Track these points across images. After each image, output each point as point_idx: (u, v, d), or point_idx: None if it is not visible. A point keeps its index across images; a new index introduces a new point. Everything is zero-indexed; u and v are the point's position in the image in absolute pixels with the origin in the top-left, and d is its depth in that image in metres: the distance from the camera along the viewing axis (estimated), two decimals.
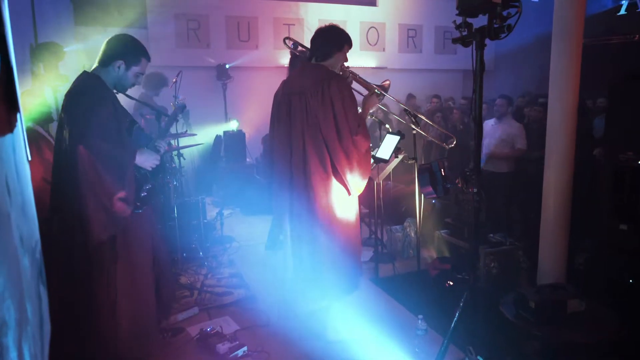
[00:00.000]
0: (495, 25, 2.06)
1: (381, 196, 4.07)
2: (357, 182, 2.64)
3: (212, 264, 4.07)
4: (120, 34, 2.52)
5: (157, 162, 2.54)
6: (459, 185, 2.29)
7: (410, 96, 8.98)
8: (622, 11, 7.37)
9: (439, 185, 2.30)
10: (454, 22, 2.29)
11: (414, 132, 3.22)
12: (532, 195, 4.87)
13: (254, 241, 4.71)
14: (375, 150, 3.29)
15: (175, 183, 3.98)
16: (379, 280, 3.81)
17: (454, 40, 2.34)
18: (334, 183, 2.63)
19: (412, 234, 4.10)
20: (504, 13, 2.06)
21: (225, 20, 8.56)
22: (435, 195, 2.32)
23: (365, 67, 9.48)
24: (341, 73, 2.85)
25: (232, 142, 7.35)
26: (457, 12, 2.25)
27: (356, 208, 2.77)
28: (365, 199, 4.16)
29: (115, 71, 2.45)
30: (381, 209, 4.13)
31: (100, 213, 2.27)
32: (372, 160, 3.16)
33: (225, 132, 7.60)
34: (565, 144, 3.12)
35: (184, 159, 4.70)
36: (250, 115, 8.29)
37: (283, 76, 7.62)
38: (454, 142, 3.21)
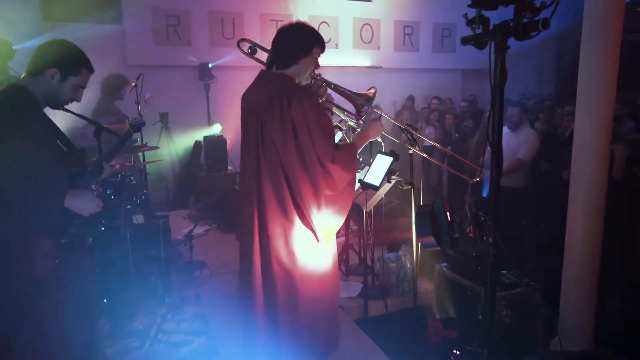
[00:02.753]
0: (525, 20, 1.47)
1: (371, 219, 3.50)
2: (327, 223, 2.06)
3: (174, 301, 3.48)
4: (58, 39, 2.11)
5: (98, 209, 1.99)
6: (470, 235, 1.73)
7: (410, 98, 8.40)
8: None
9: (443, 234, 1.73)
10: (465, 15, 1.70)
11: (411, 152, 2.64)
12: (549, 217, 4.33)
13: (227, 267, 4.12)
14: (362, 173, 2.70)
15: (129, 207, 3.38)
16: (367, 322, 3.24)
17: (465, 40, 1.75)
18: (297, 229, 2.06)
19: (408, 265, 3.52)
20: (537, 3, 1.47)
21: (208, 15, 7.96)
22: (437, 248, 1.74)
23: (359, 67, 8.91)
24: (312, 82, 2.26)
25: (212, 149, 6.76)
26: (468, 3, 1.66)
27: (331, 257, 2.18)
28: (355, 213, 3.60)
29: (47, 82, 2.01)
30: (370, 233, 3.56)
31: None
32: (357, 186, 2.57)
33: (205, 138, 7.00)
34: (597, 167, 2.54)
35: (148, 174, 4.10)
36: (235, 118, 7.60)
37: None
38: (479, 177, 2.63)
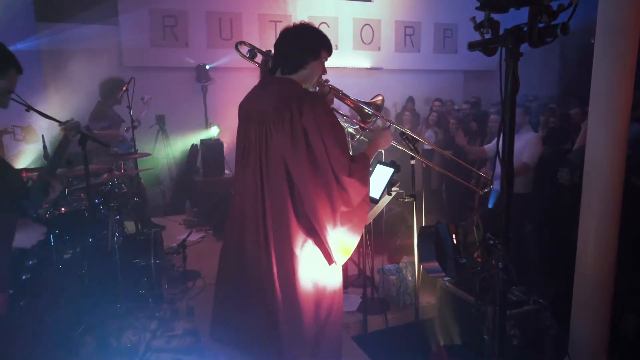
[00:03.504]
0: (541, 25, 1.32)
1: (371, 227, 3.35)
2: (345, 242, 1.89)
3: (165, 315, 3.34)
4: None
5: (42, 237, 1.79)
6: (478, 259, 1.58)
7: (411, 99, 8.24)
8: None
9: (448, 259, 1.58)
10: (473, 19, 1.55)
11: (413, 162, 2.49)
12: (557, 225, 4.16)
13: None
14: None
15: (118, 217, 3.22)
16: (366, 338, 3.09)
17: (472, 46, 1.60)
18: (308, 253, 1.88)
19: (409, 277, 3.37)
20: (553, 5, 1.32)
21: (206, 16, 7.82)
22: (442, 273, 1.59)
23: (359, 68, 8.76)
24: (317, 89, 2.11)
25: (209, 152, 6.60)
26: (477, 5, 1.51)
27: (338, 283, 2.01)
28: None
29: None
30: (370, 242, 3.41)
31: None
32: None
33: (202, 141, 6.85)
34: (612, 182, 2.38)
35: (141, 180, 3.95)
36: (233, 121, 7.46)
37: None
38: (491, 187, 2.48)
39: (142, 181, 5.34)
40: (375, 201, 2.38)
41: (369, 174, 1.95)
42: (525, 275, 4.12)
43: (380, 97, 2.15)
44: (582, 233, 2.54)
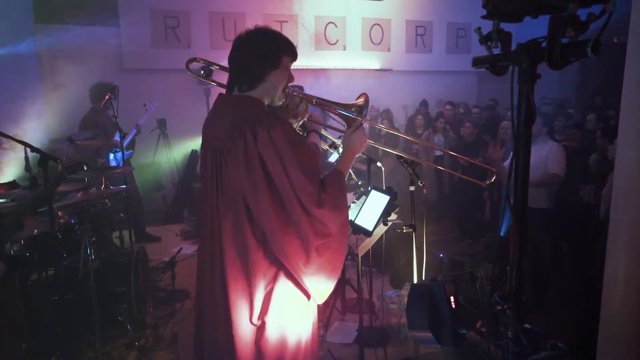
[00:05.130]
0: (565, 40, 1.01)
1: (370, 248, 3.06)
2: (321, 278, 1.61)
3: (146, 343, 3.09)
4: None
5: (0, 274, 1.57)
6: (483, 329, 1.28)
7: (424, 103, 7.90)
8: None
9: (444, 327, 1.28)
10: (478, 30, 1.26)
11: (412, 188, 2.19)
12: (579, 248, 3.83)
13: None
14: (354, 210, 2.25)
15: (93, 238, 2.97)
16: None
17: (477, 62, 1.30)
18: (276, 296, 1.61)
19: None
20: (582, 16, 1.01)
21: (209, 16, 7.60)
22: (437, 345, 1.29)
23: (368, 69, 8.45)
24: (287, 100, 1.81)
25: None
26: (483, 12, 1.22)
27: (308, 333, 1.73)
28: None
29: None
30: (370, 261, 3.13)
31: None
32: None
33: None
34: None
35: (125, 193, 3.71)
36: None
37: None
38: (494, 178, 2.18)
39: (138, 191, 5.12)
40: (368, 233, 2.09)
41: (345, 192, 1.66)
42: (542, 297, 3.80)
43: (362, 98, 1.84)
44: (609, 267, 2.22)
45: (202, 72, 1.84)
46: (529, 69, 1.12)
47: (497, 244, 3.84)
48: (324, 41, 8.18)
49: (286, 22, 7.98)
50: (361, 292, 2.73)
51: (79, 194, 2.84)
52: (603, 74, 6.91)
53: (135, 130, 4.88)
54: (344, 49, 8.33)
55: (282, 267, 1.61)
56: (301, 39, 8.03)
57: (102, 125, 4.37)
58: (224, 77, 1.96)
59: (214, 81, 1.90)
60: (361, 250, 2.35)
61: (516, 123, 1.16)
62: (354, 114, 1.78)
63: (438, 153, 6.94)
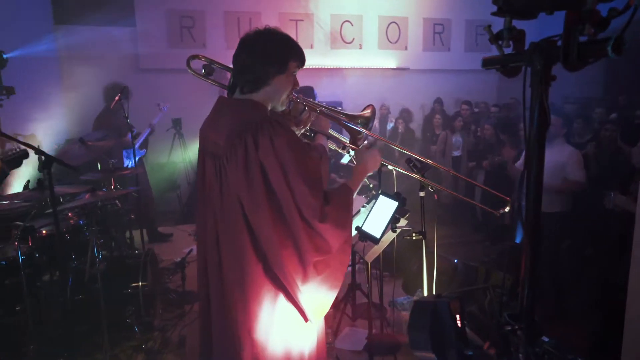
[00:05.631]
0: (583, 38, 0.91)
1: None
2: (318, 297, 1.53)
3: (154, 346, 3.07)
4: None
5: None
6: (491, 350, 1.20)
7: (439, 101, 7.75)
8: None
9: (449, 347, 1.19)
10: (488, 27, 1.17)
11: (422, 193, 2.10)
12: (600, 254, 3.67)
13: None
14: (361, 217, 2.17)
15: (101, 240, 2.96)
16: None
17: (487, 63, 1.21)
18: (277, 312, 1.54)
19: None
20: (602, 11, 0.91)
21: (224, 16, 7.59)
22: None
23: (384, 69, 8.33)
24: (291, 106, 1.74)
25: None
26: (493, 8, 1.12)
27: (312, 347, 1.66)
28: None
29: None
30: (380, 271, 3.04)
31: None
32: (354, 233, 2.05)
33: None
34: None
35: (135, 194, 3.69)
36: None
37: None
38: (507, 208, 2.07)
39: (152, 191, 5.13)
40: (375, 240, 2.00)
41: (352, 209, 1.58)
42: (562, 305, 3.65)
43: (369, 110, 1.76)
44: (634, 273, 2.09)
45: (203, 70, 1.78)
46: (543, 70, 1.03)
47: (509, 252, 3.71)
48: (339, 40, 8.09)
49: (302, 20, 7.92)
50: (370, 299, 2.65)
51: (87, 196, 2.83)
52: (628, 72, 6.65)
53: (149, 130, 4.89)
54: (360, 48, 8.23)
55: (282, 282, 1.54)
56: (317, 37, 7.97)
57: (115, 126, 4.38)
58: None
59: (214, 81, 1.84)
60: (370, 257, 2.26)
61: (529, 129, 1.06)
62: (359, 127, 1.70)
63: (456, 153, 6.80)
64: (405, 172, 2.07)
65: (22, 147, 2.12)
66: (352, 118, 1.75)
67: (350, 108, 8.43)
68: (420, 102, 8.54)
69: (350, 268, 3.43)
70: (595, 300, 3.40)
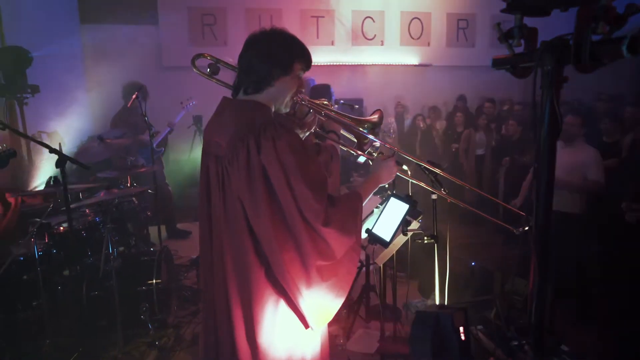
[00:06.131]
0: (596, 37, 0.85)
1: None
2: (321, 304, 1.49)
3: (167, 343, 3.09)
4: None
5: None
6: None
7: (462, 98, 7.57)
8: None
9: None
10: (497, 25, 1.10)
11: (434, 197, 2.03)
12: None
13: None
14: (370, 222, 2.12)
15: (116, 237, 3.00)
16: None
17: (497, 64, 1.15)
18: (280, 317, 1.51)
19: None
20: (617, 7, 0.84)
21: (245, 13, 7.60)
22: None
23: (406, 65, 8.20)
24: (297, 108, 1.70)
25: None
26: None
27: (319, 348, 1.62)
28: None
29: None
30: (394, 271, 2.99)
31: None
32: (364, 236, 2.01)
33: None
34: None
35: (152, 192, 3.72)
36: None
37: (310, 76, 6.48)
38: (527, 227, 1.98)
39: (169, 188, 5.18)
40: (385, 244, 1.95)
41: (360, 217, 1.53)
42: (586, 311, 3.51)
43: (377, 115, 1.71)
44: None
45: (208, 69, 1.75)
46: (555, 71, 0.96)
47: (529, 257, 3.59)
48: (361, 36, 8.01)
49: (323, 17, 7.86)
50: (383, 301, 2.60)
51: (102, 194, 2.86)
52: None
53: (168, 129, 4.93)
54: (382, 44, 8.13)
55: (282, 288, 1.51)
56: (338, 34, 7.90)
57: (133, 124, 4.43)
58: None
59: (219, 81, 1.81)
60: (381, 260, 2.21)
61: (538, 134, 1.00)
62: (365, 132, 1.65)
63: (480, 152, 6.63)
64: (419, 184, 2.00)
65: (10, 146, 2.16)
66: (359, 122, 1.70)
67: (371, 105, 8.36)
68: (443, 99, 8.38)
69: (365, 269, 3.38)
70: (623, 306, 3.25)
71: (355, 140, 1.87)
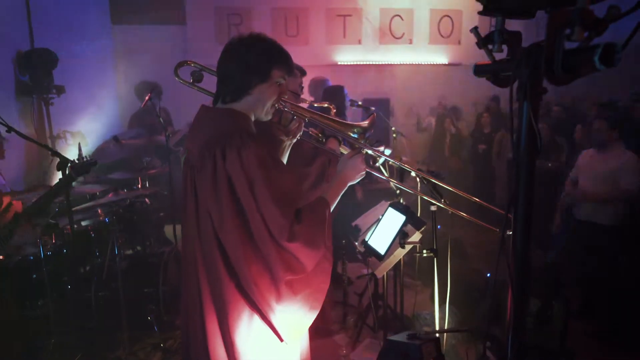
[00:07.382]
0: (569, 46, 0.73)
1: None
2: (293, 318, 1.42)
3: (173, 345, 3.09)
4: None
5: None
6: None
7: (495, 99, 7.29)
8: None
9: None
10: (474, 29, 1.00)
11: (434, 208, 1.90)
12: None
13: None
14: (369, 230, 2.02)
15: (124, 239, 3.02)
16: None
17: (478, 72, 1.04)
18: (253, 330, 1.44)
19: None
20: (597, 12, 0.72)
21: (271, 12, 7.58)
22: None
23: (436, 64, 7.96)
24: (281, 115, 1.63)
25: None
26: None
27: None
28: None
29: None
30: (401, 278, 2.87)
31: None
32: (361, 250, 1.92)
33: None
34: None
35: (165, 192, 3.73)
36: None
37: (336, 75, 6.33)
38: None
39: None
40: (379, 257, 1.85)
41: (324, 227, 1.43)
42: (617, 328, 3.28)
43: (368, 120, 1.60)
44: None
45: (192, 77, 1.70)
46: (532, 82, 0.84)
47: (540, 271, 3.38)
48: (388, 35, 7.84)
49: (350, 16, 7.74)
50: (388, 311, 2.49)
51: (110, 195, 2.89)
52: None
53: (188, 128, 4.95)
54: (410, 43, 7.93)
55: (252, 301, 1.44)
56: (365, 33, 7.76)
57: (149, 124, 4.46)
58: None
59: (202, 89, 1.75)
60: (380, 272, 2.11)
61: (515, 155, 0.88)
62: (353, 137, 1.56)
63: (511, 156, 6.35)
64: (412, 191, 1.89)
65: (91, 157, 2.23)
66: (348, 127, 1.61)
67: (398, 105, 8.16)
68: (474, 99, 8.10)
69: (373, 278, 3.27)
70: None
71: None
